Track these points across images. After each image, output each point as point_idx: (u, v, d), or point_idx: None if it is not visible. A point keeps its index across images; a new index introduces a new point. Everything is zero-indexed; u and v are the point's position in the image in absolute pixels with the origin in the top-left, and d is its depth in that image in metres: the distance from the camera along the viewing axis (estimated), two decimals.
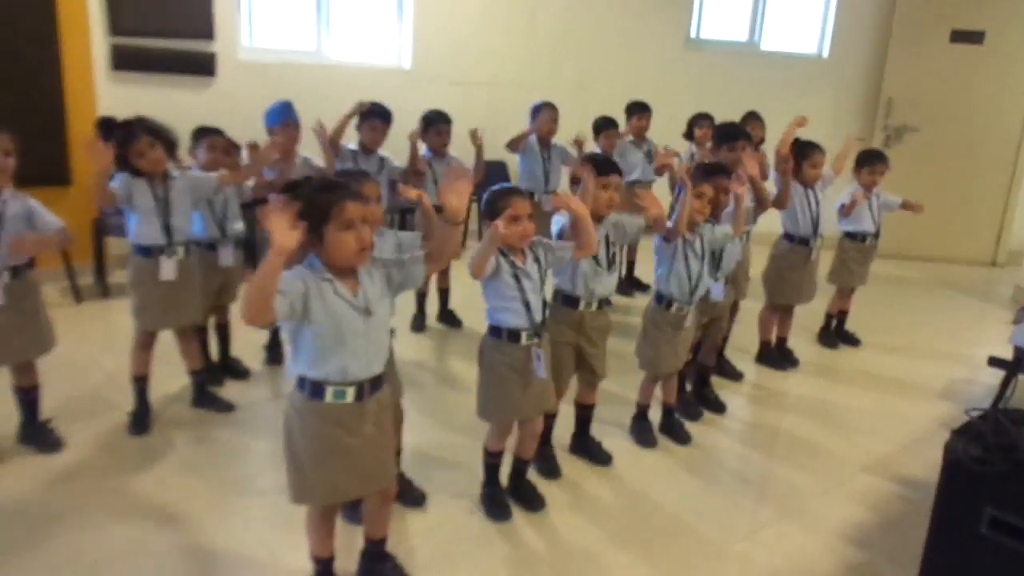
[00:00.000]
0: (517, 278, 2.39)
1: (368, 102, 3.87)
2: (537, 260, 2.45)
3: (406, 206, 4.15)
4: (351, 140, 4.00)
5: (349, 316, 1.82)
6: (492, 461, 2.63)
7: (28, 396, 2.89)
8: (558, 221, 2.67)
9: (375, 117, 3.95)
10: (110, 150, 2.71)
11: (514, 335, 2.42)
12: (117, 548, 2.34)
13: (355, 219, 1.78)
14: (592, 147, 4.88)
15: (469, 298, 4.43)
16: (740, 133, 3.70)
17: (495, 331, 2.45)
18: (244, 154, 3.40)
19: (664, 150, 3.70)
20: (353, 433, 1.89)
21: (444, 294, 4.50)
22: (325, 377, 1.85)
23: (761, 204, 3.58)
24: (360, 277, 1.88)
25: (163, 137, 2.89)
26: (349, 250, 1.80)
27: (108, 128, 2.88)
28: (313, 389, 1.86)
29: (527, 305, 2.40)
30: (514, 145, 4.56)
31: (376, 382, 1.94)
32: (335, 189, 1.82)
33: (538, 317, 2.43)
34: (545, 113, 4.60)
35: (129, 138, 2.84)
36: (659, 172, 4.27)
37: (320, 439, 1.88)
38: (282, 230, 1.60)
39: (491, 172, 5.59)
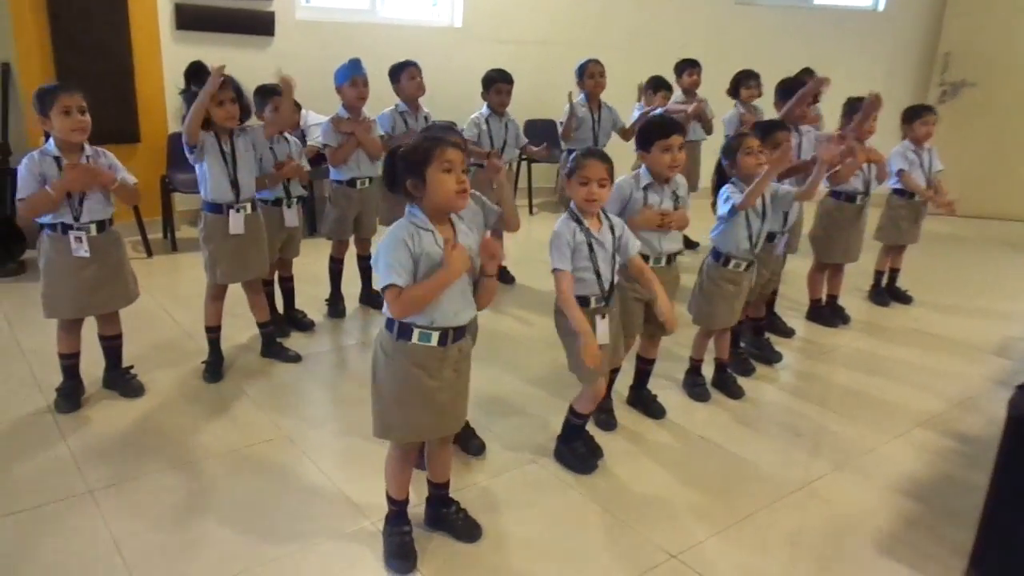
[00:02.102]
0: (591, 247, 2.42)
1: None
2: (612, 228, 2.48)
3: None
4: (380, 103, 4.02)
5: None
6: (577, 421, 2.68)
7: (112, 344, 3.06)
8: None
9: (408, 66, 3.95)
10: (90, 173, 2.71)
11: (584, 301, 2.45)
12: (196, 487, 2.49)
13: (455, 162, 1.92)
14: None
15: (520, 254, 4.52)
16: (802, 87, 3.70)
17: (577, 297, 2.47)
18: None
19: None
20: (434, 376, 2.00)
21: None
22: (413, 320, 1.95)
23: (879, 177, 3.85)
24: (457, 227, 1.99)
25: (242, 97, 2.99)
26: (449, 191, 1.91)
27: (197, 73, 2.95)
28: (400, 330, 1.97)
29: (598, 274, 2.44)
30: (566, 134, 4.53)
31: (460, 330, 2.03)
32: (435, 138, 1.97)
33: (607, 284, 2.46)
34: (591, 68, 4.55)
35: (220, 84, 2.91)
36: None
37: (403, 378, 1.99)
38: (463, 257, 1.91)
39: (542, 131, 5.63)
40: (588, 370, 2.48)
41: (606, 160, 2.42)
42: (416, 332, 1.97)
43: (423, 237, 1.92)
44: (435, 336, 1.98)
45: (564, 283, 2.40)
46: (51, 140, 2.71)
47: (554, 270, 2.41)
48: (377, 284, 1.96)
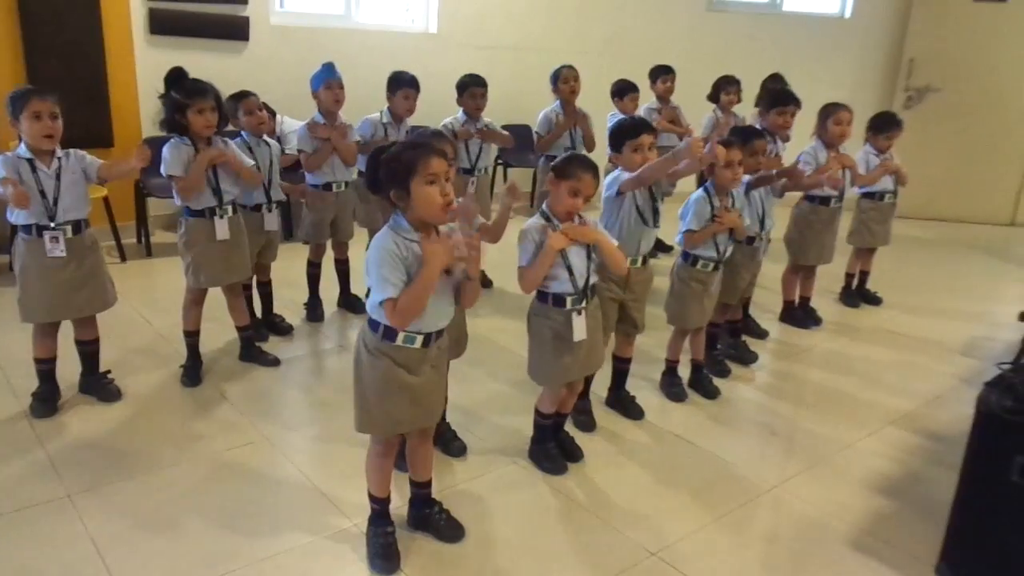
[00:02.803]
0: (563, 249, 2.44)
1: None
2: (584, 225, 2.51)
3: None
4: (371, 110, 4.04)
5: None
6: (543, 422, 2.71)
7: (89, 349, 3.03)
8: (614, 181, 2.75)
9: (407, 86, 3.95)
10: (148, 153, 2.79)
11: (559, 300, 2.48)
12: (180, 488, 2.49)
13: (439, 174, 1.89)
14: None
15: (498, 257, 4.53)
16: (791, 98, 3.79)
17: (542, 296, 2.51)
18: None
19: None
20: (414, 373, 2.03)
21: None
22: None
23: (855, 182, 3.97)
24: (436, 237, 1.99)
25: (221, 106, 2.99)
26: (434, 203, 1.90)
27: (178, 79, 2.95)
28: (385, 332, 1.98)
29: (570, 270, 2.45)
30: (545, 146, 4.59)
31: (440, 331, 2.07)
32: (420, 146, 1.94)
33: (581, 282, 2.48)
34: (565, 74, 4.58)
35: (200, 92, 2.93)
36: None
37: (385, 377, 2.01)
38: (448, 253, 1.89)
39: (516, 135, 5.65)
40: (545, 374, 2.55)
41: (598, 175, 2.46)
42: (400, 335, 1.98)
43: (411, 248, 1.92)
44: (419, 339, 2.01)
45: (524, 271, 2.43)
46: (23, 144, 2.69)
47: (520, 268, 2.44)
48: (372, 299, 1.96)
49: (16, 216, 2.70)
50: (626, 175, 2.76)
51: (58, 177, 2.72)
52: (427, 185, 1.88)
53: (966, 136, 6.77)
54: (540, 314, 2.53)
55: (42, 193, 2.68)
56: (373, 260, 1.92)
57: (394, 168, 1.90)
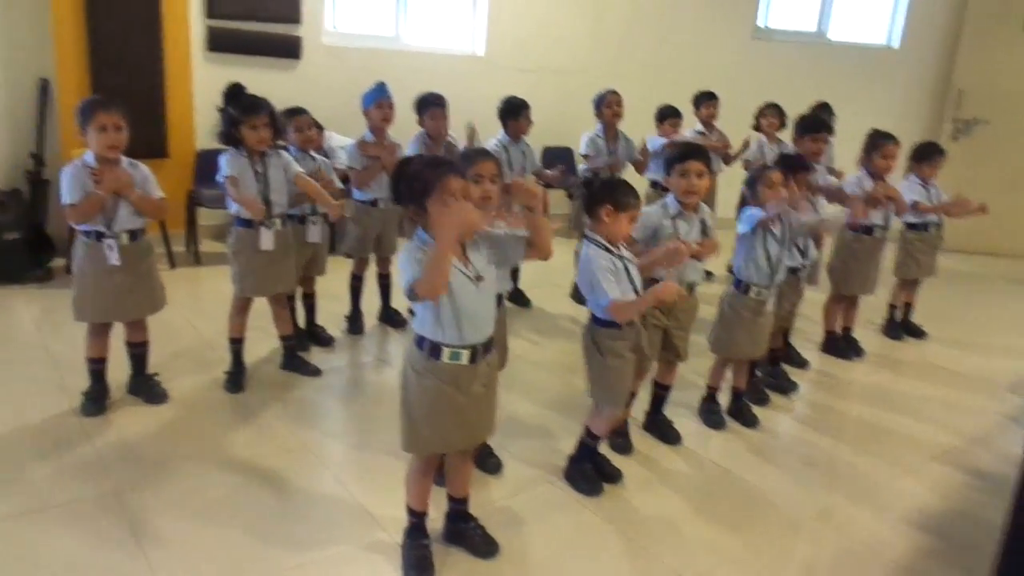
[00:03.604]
0: (627, 269, 2.47)
1: None
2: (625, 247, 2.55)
3: None
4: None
5: (463, 283, 1.95)
6: (592, 442, 2.70)
7: (138, 351, 3.12)
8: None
9: (432, 106, 3.98)
10: (125, 175, 2.79)
11: (629, 321, 2.50)
12: (219, 494, 2.53)
13: (455, 193, 1.88)
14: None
15: (536, 277, 4.57)
16: (823, 125, 3.76)
17: (610, 323, 2.48)
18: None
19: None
20: (464, 392, 2.03)
21: (513, 274, 4.62)
22: (443, 340, 1.98)
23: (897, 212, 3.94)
24: (467, 247, 2.01)
25: (275, 121, 3.08)
26: (452, 222, 1.84)
27: (236, 94, 3.05)
28: (431, 349, 1.99)
29: (637, 293, 2.48)
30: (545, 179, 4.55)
31: (488, 345, 2.07)
32: (440, 165, 1.96)
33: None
34: (610, 99, 4.59)
35: (255, 109, 3.02)
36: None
37: (434, 396, 2.01)
38: (462, 217, 1.82)
39: (558, 158, 5.70)
40: (611, 395, 2.53)
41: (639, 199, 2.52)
42: (446, 351, 1.99)
43: None
44: (465, 355, 2.00)
45: (620, 305, 2.42)
46: (89, 152, 2.79)
47: (611, 303, 2.40)
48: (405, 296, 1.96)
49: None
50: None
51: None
52: (443, 205, 1.87)
53: (1013, 169, 6.64)
54: (610, 338, 2.51)
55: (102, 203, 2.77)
56: (403, 261, 1.92)
57: (412, 187, 1.91)
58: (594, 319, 2.55)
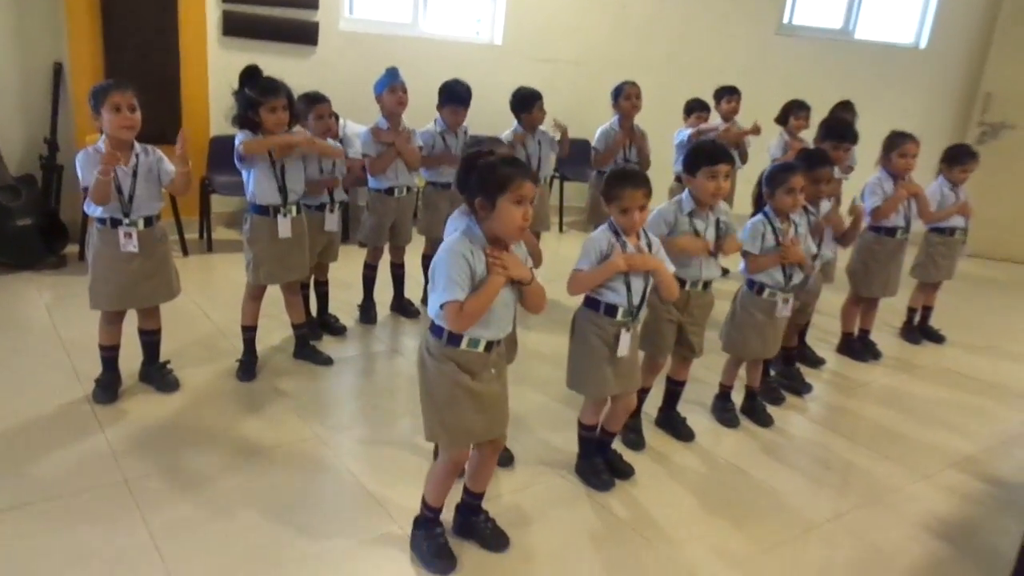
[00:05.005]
0: None
1: None
2: (649, 245, 2.50)
3: None
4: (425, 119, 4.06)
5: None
6: (586, 434, 2.70)
7: (151, 339, 3.11)
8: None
9: (455, 103, 3.93)
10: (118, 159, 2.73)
11: (611, 310, 2.47)
12: (230, 483, 2.52)
13: (527, 197, 1.94)
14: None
15: (550, 272, 4.51)
16: (848, 133, 3.71)
17: (592, 303, 2.50)
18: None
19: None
20: (478, 379, 2.04)
21: None
22: (465, 332, 1.99)
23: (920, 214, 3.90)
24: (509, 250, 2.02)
25: (293, 105, 3.05)
26: (515, 223, 1.94)
27: (252, 77, 3.02)
28: (450, 336, 2.00)
29: (628, 285, 2.44)
30: (603, 162, 4.55)
31: (500, 340, 2.09)
32: (518, 166, 1.99)
33: (636, 299, 2.47)
34: (628, 90, 4.52)
35: (274, 91, 2.99)
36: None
37: (452, 382, 2.02)
38: (518, 268, 1.96)
39: (576, 150, 5.65)
40: (584, 382, 2.56)
41: (643, 183, 2.42)
42: (466, 339, 2.00)
43: (481, 256, 1.94)
44: (482, 344, 2.03)
45: (579, 276, 2.43)
46: (103, 137, 2.77)
47: (575, 270, 2.43)
48: (433, 301, 1.98)
49: (93, 209, 2.78)
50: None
51: (134, 174, 2.79)
52: (513, 204, 1.92)
53: None
54: (589, 320, 2.51)
55: (118, 189, 2.76)
56: (443, 261, 1.94)
57: (487, 179, 1.93)
58: (585, 301, 2.54)
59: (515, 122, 4.27)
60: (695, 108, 4.98)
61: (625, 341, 2.49)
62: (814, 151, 3.37)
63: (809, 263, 3.07)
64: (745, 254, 3.02)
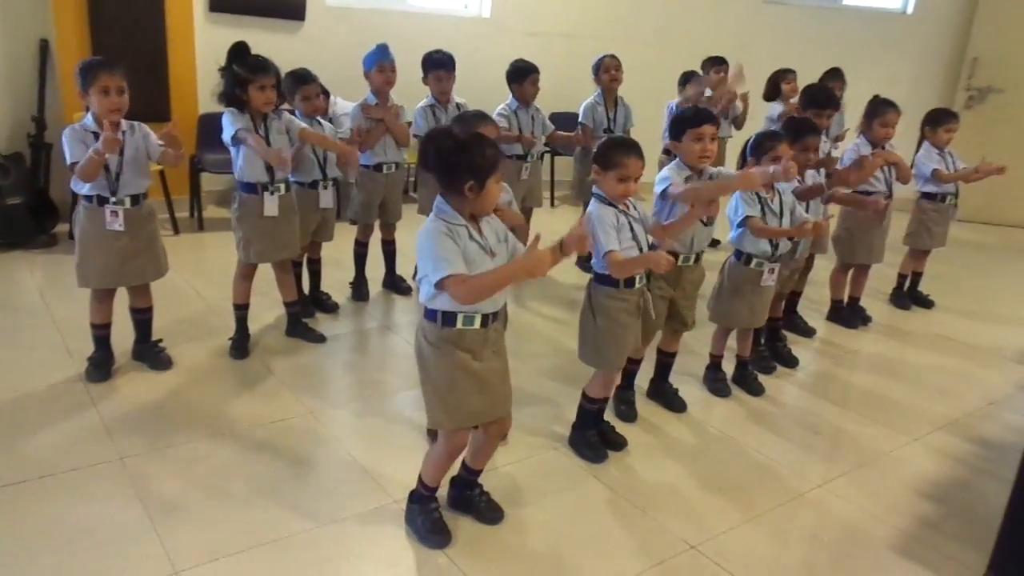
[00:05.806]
0: (631, 227, 2.44)
1: None
2: (635, 205, 2.51)
3: None
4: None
5: (480, 257, 1.97)
6: (590, 407, 2.70)
7: (143, 317, 3.11)
8: (664, 180, 2.72)
9: (437, 67, 3.92)
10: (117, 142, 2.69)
11: (630, 281, 2.48)
12: (224, 460, 2.54)
13: (500, 177, 2.03)
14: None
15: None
16: (831, 100, 3.72)
17: (610, 280, 2.48)
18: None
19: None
20: (478, 358, 2.04)
21: None
22: (457, 307, 1.99)
23: (901, 179, 3.83)
24: (480, 223, 2.03)
25: (279, 83, 3.02)
26: (495, 201, 2.02)
27: (240, 54, 2.99)
28: (444, 318, 2.00)
29: (641, 251, 2.45)
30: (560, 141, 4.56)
31: (495, 313, 2.08)
32: (497, 148, 2.05)
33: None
34: (607, 63, 4.54)
35: (263, 69, 2.97)
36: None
37: (452, 365, 2.02)
38: (543, 266, 1.94)
39: (563, 123, 5.62)
40: (607, 356, 2.53)
41: (642, 155, 2.43)
42: (460, 317, 2.00)
43: (459, 232, 1.95)
44: (477, 319, 2.02)
45: (618, 257, 2.39)
46: (89, 115, 2.75)
47: (607, 253, 2.38)
48: (425, 286, 1.96)
49: (79, 186, 2.77)
50: (675, 178, 2.71)
51: (121, 152, 2.77)
52: (496, 183, 2.00)
53: None
54: (610, 297, 2.50)
55: (105, 167, 2.74)
56: (424, 244, 1.95)
57: (479, 163, 1.93)
58: (595, 276, 2.54)
59: (509, 95, 4.25)
60: (689, 79, 4.95)
61: (650, 301, 2.55)
62: (801, 119, 3.37)
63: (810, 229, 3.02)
64: (747, 219, 3.00)
